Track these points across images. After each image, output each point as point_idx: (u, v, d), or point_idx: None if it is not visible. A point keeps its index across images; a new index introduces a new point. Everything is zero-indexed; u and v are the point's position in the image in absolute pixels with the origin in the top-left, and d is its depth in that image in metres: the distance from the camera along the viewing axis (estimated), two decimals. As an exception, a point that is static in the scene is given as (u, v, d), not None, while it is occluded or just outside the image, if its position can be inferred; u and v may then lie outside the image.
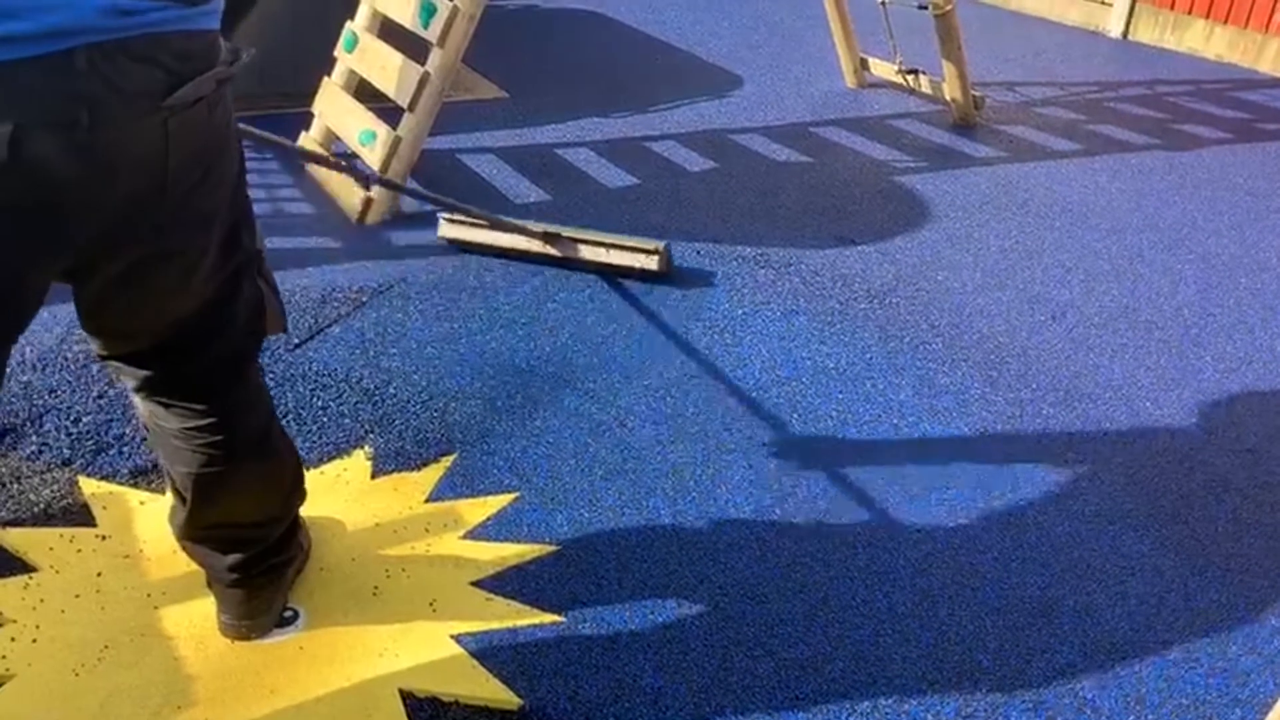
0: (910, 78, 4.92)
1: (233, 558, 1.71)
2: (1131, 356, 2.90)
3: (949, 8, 4.31)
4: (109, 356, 1.52)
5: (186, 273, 1.40)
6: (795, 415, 2.51)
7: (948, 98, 4.70)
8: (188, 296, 1.44)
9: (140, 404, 1.59)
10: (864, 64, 5.18)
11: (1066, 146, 4.58)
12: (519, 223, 3.08)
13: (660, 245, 3.06)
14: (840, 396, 2.60)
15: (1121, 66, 5.99)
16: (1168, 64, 6.05)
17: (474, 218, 3.07)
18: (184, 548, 1.74)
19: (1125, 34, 6.60)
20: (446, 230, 3.18)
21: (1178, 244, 3.66)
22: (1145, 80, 5.69)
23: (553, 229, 3.08)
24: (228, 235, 1.45)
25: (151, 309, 1.44)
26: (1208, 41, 6.26)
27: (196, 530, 1.69)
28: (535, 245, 3.09)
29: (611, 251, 3.04)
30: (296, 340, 2.65)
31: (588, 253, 3.06)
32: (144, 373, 1.52)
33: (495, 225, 3.07)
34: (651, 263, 3.04)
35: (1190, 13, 6.28)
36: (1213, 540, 2.20)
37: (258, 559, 1.73)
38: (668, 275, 3.10)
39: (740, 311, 2.98)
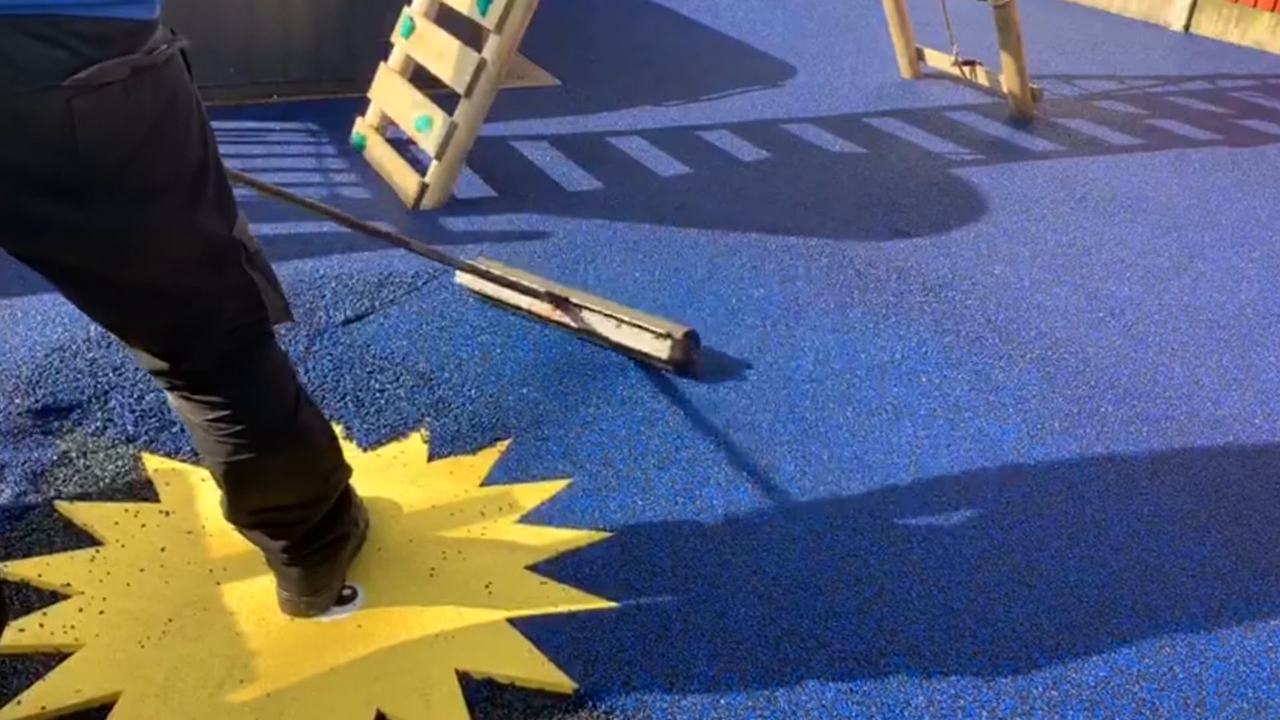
0: (967, 69, 4.86)
1: (282, 539, 1.73)
2: (1192, 355, 2.85)
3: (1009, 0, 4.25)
4: (128, 347, 1.54)
5: (138, 256, 1.38)
6: (849, 408, 2.50)
7: (1005, 90, 4.64)
8: (153, 288, 1.43)
9: (168, 396, 1.61)
10: (919, 54, 5.13)
11: (1126, 141, 4.51)
12: (529, 282, 2.68)
13: (678, 330, 2.51)
14: (895, 390, 2.59)
15: (1183, 60, 5.88)
16: (1231, 58, 5.93)
17: (488, 276, 2.63)
18: (237, 530, 1.77)
19: (1187, 27, 6.47)
20: (463, 280, 2.85)
21: (1240, 241, 3.59)
22: (1207, 74, 5.58)
23: (562, 292, 2.66)
24: (190, 223, 1.42)
25: (119, 301, 1.43)
26: (1273, 35, 6.12)
27: (240, 516, 1.71)
28: (541, 308, 2.69)
29: (622, 328, 2.57)
30: (343, 318, 2.68)
31: (596, 324, 2.62)
32: (157, 364, 1.53)
33: (509, 284, 2.66)
34: (662, 349, 2.51)
35: (1255, 6, 6.14)
36: (1275, 544, 2.16)
37: (308, 538, 1.74)
38: (687, 369, 2.56)
39: (794, 303, 2.97)
